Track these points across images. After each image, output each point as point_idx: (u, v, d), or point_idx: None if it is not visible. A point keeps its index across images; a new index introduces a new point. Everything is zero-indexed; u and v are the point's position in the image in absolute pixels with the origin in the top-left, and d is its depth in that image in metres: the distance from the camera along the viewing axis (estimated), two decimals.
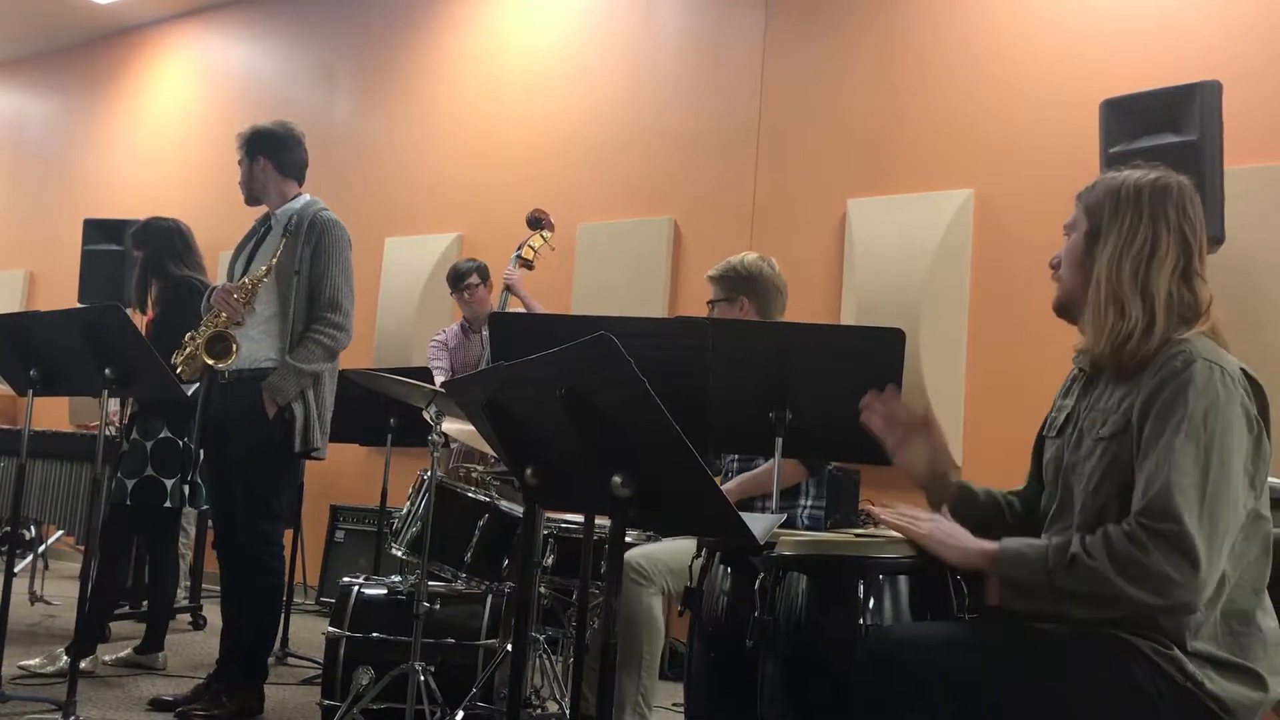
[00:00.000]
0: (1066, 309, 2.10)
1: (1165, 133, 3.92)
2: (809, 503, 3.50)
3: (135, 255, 4.76)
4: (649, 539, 3.51)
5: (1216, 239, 3.83)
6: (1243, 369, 1.90)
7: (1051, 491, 2.10)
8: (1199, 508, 1.77)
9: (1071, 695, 1.83)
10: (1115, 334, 1.94)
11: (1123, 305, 1.94)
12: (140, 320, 4.74)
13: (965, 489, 2.23)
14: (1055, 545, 1.87)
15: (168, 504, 4.48)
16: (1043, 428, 2.20)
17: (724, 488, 3.44)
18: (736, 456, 3.59)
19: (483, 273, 5.45)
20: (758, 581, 2.08)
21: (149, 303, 4.73)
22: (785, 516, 2.22)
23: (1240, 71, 4.35)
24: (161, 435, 4.45)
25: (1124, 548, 1.79)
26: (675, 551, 3.25)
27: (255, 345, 3.89)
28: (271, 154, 4.06)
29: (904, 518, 2.08)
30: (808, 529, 3.39)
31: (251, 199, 4.10)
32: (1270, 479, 1.92)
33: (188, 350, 3.92)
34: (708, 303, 3.61)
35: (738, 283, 3.53)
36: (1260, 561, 1.90)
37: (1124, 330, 1.93)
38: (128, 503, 4.41)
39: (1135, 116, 4.01)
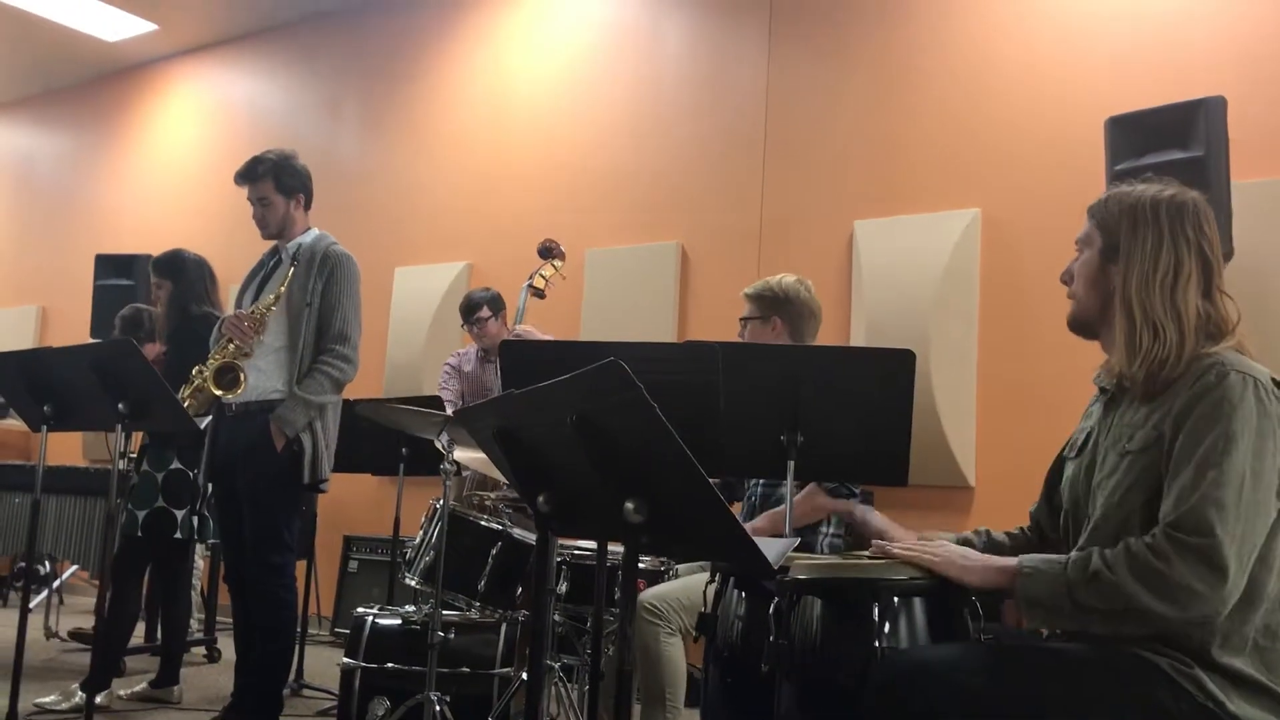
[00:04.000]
0: (1083, 325, 2.10)
1: (1171, 149, 3.92)
2: (830, 530, 3.49)
3: (157, 284, 4.77)
4: (663, 565, 3.51)
5: (1226, 253, 3.82)
6: (1275, 379, 1.90)
7: (1070, 510, 2.10)
8: (1233, 521, 1.76)
9: (1090, 716, 1.81)
10: (1152, 357, 1.93)
11: (1157, 328, 1.94)
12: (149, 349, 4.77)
13: (991, 540, 2.24)
14: (1075, 561, 1.86)
15: (178, 535, 4.48)
16: (1063, 450, 2.19)
17: (754, 524, 3.44)
18: (761, 481, 3.59)
19: (494, 304, 5.46)
20: (772, 606, 2.07)
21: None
22: (799, 540, 2.22)
23: (1245, 86, 4.36)
24: (172, 466, 4.46)
25: (1145, 560, 1.78)
26: (688, 588, 3.24)
27: (263, 377, 3.90)
28: (306, 190, 4.09)
29: (915, 549, 2.07)
30: None
31: (276, 234, 4.10)
32: None
33: (195, 383, 3.94)
34: (741, 319, 3.62)
35: (774, 303, 3.54)
36: None
37: (1160, 353, 1.92)
38: (139, 534, 4.42)
39: (1141, 133, 4.02)
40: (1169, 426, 1.88)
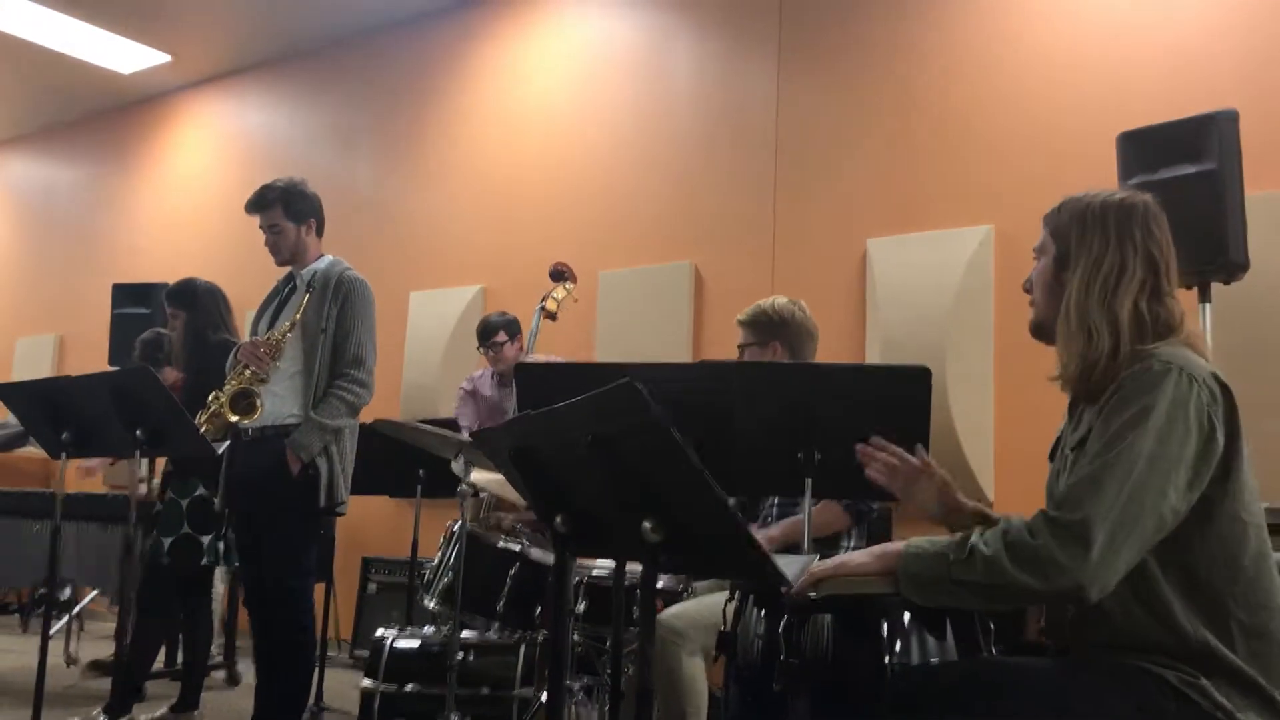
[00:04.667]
0: (1042, 330, 2.14)
1: (1184, 163, 3.91)
2: (850, 544, 3.48)
3: (173, 314, 4.80)
4: (681, 584, 3.50)
5: (1241, 266, 3.81)
6: (1214, 373, 1.90)
7: None
8: (1111, 499, 1.77)
9: None
10: (1083, 358, 1.96)
11: (1090, 330, 1.97)
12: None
13: (983, 516, 2.23)
14: (957, 539, 1.88)
15: (205, 561, 4.50)
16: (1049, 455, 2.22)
17: (768, 533, 3.44)
18: (777, 500, 3.58)
19: (511, 329, 5.47)
20: (781, 624, 2.07)
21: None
22: (818, 557, 2.21)
23: (1257, 99, 4.36)
24: (197, 493, 4.49)
25: (1017, 535, 1.80)
26: (708, 607, 3.24)
27: (279, 402, 3.92)
28: (317, 216, 4.13)
29: (817, 569, 2.06)
30: None
31: (288, 260, 4.14)
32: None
33: (211, 409, 3.97)
34: (739, 346, 3.61)
35: (770, 327, 3.52)
36: (1260, 573, 1.87)
37: (1091, 354, 1.95)
38: (165, 560, 4.43)
39: (1153, 148, 4.01)
40: (1097, 420, 1.91)
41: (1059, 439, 2.14)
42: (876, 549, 2.03)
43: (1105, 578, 1.77)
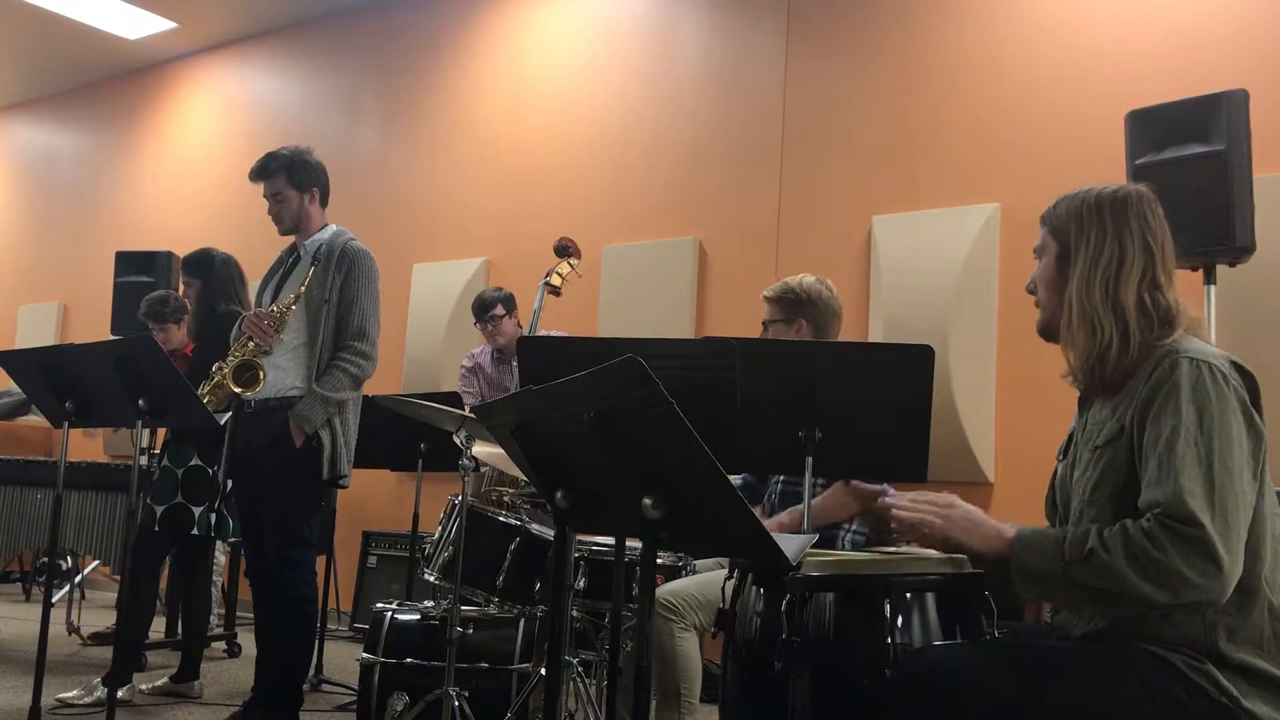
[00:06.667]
0: (1050, 331, 2.12)
1: (1192, 143, 3.89)
2: (853, 526, 3.48)
3: (187, 283, 4.80)
4: (680, 561, 3.51)
5: (1247, 249, 3.80)
6: (1231, 360, 1.90)
7: (1061, 511, 2.12)
8: (1211, 510, 1.76)
9: (1109, 714, 1.81)
10: (1090, 353, 1.96)
11: (1093, 324, 1.96)
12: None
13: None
14: (1073, 536, 1.86)
15: (195, 531, 4.51)
16: (1058, 451, 2.21)
17: (777, 518, 3.44)
18: (782, 478, 3.58)
19: (508, 303, 5.46)
20: (784, 603, 2.07)
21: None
22: (817, 537, 2.21)
23: (1267, 79, 4.33)
24: (192, 463, 4.49)
25: (1142, 545, 1.78)
26: (704, 584, 3.24)
27: (282, 374, 3.92)
28: (321, 185, 4.10)
29: (920, 509, 2.03)
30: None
31: (291, 229, 4.12)
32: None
33: (215, 380, 3.96)
34: (764, 322, 3.60)
35: (797, 305, 3.52)
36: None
37: (1098, 348, 1.95)
38: (156, 529, 4.45)
39: (1161, 127, 3.99)
40: (1132, 419, 1.90)
41: (1070, 436, 2.12)
42: (968, 521, 1.99)
43: (1232, 586, 1.77)
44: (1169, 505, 1.78)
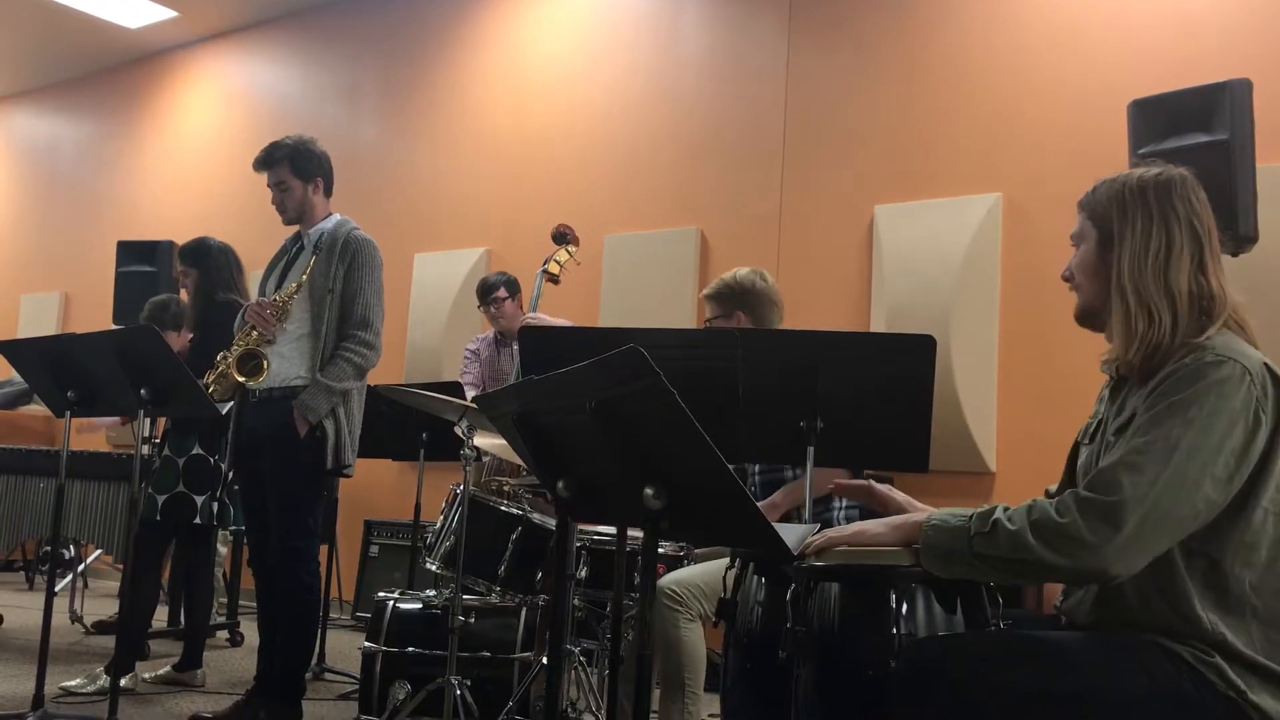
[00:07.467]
0: (1090, 316, 2.09)
1: (1195, 132, 3.88)
2: (846, 502, 3.48)
3: (182, 273, 4.80)
4: (681, 550, 3.51)
5: (1250, 238, 3.79)
6: (1266, 363, 1.87)
7: None
8: (1147, 485, 1.75)
9: (1115, 705, 1.81)
10: (1147, 341, 1.92)
11: (1151, 310, 1.92)
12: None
13: None
14: (980, 512, 1.87)
15: (197, 520, 4.51)
16: (1079, 435, 2.19)
17: (772, 499, 3.44)
18: (758, 468, 3.58)
19: (511, 286, 5.48)
20: (789, 593, 2.07)
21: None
22: (819, 526, 2.21)
23: (1270, 69, 4.32)
24: (193, 452, 4.50)
25: (1044, 513, 1.79)
26: (707, 573, 3.24)
27: (286, 363, 3.92)
28: (325, 175, 4.10)
29: (830, 537, 2.06)
30: None
31: (295, 219, 4.11)
32: None
33: (219, 369, 3.96)
34: (705, 320, 3.62)
35: (732, 298, 3.53)
36: (1277, 560, 1.85)
37: (1155, 337, 1.91)
38: (158, 518, 4.45)
39: (1164, 117, 3.98)
40: (1142, 405, 1.88)
41: (1100, 421, 2.09)
42: (894, 520, 2.02)
43: (1131, 561, 1.76)
44: (1102, 472, 1.79)
